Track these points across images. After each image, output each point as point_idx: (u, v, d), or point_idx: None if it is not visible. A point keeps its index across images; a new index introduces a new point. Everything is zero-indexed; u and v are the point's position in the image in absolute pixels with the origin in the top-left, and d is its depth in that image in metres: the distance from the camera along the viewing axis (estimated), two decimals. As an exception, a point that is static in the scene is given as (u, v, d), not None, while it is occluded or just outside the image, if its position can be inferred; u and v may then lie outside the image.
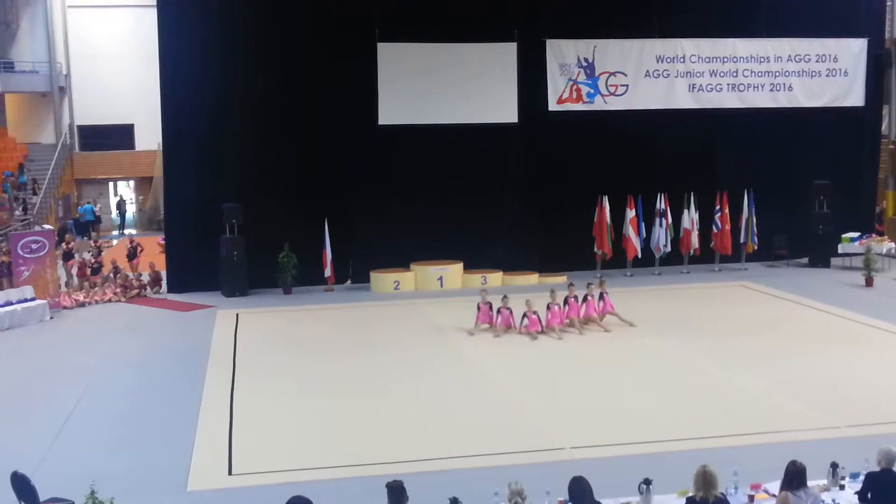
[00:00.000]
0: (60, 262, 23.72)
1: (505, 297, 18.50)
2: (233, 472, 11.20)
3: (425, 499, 8.54)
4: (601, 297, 18.68)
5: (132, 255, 25.29)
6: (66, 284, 23.07)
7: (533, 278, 23.81)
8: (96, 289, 22.83)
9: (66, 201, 37.77)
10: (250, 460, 11.49)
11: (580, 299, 18.42)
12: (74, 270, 24.27)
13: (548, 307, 18.00)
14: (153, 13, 23.42)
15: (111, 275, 23.62)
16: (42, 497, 9.35)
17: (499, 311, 18.24)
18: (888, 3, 27.70)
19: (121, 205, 40.34)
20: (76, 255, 25.25)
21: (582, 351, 16.87)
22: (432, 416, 13.24)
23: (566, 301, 18.23)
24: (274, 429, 12.75)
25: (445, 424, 12.81)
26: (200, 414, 13.36)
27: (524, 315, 18.00)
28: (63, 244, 23.78)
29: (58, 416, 13.38)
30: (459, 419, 13.02)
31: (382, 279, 23.33)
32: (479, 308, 18.42)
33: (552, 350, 16.97)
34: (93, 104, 38.05)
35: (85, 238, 33.79)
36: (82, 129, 38.99)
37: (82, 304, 22.01)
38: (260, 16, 22.89)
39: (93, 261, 24.23)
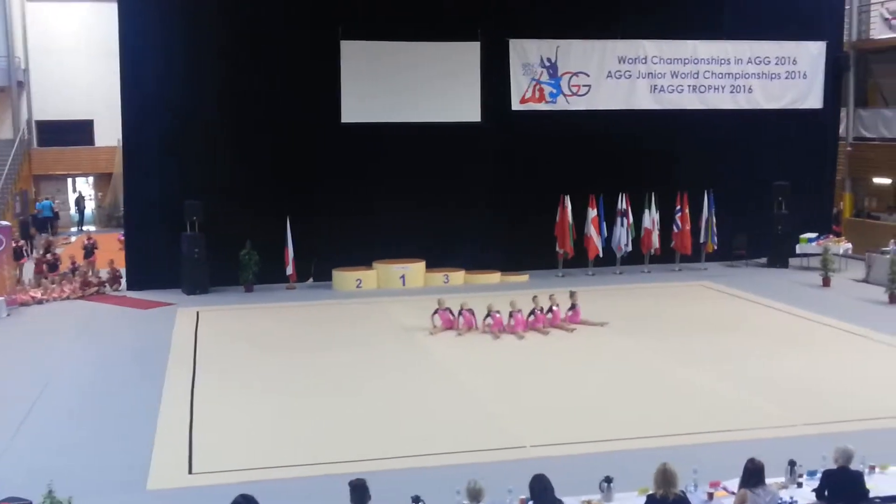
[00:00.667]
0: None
1: (465, 302, 18.51)
2: (193, 471, 11.12)
3: (388, 497, 8.53)
4: (572, 307, 18.71)
5: (89, 252, 24.97)
6: (17, 283, 22.70)
7: (495, 277, 23.87)
8: (54, 286, 22.53)
9: (24, 197, 37.25)
10: (210, 459, 11.42)
11: (546, 310, 18.39)
12: (30, 267, 23.95)
13: (510, 315, 18.01)
14: (114, 7, 23.21)
15: (69, 272, 23.33)
16: (-1, 497, 9.24)
17: (460, 313, 18.25)
18: (846, 7, 28.03)
19: (80, 201, 39.85)
20: (34, 252, 24.85)
21: (544, 350, 16.92)
22: (395, 414, 13.23)
23: (532, 312, 18.20)
24: (235, 427, 12.67)
25: (408, 423, 12.81)
26: (160, 412, 13.25)
27: (487, 314, 18.02)
28: (13, 242, 23.34)
29: (15, 415, 13.20)
30: (422, 417, 13.02)
31: (344, 277, 23.27)
32: (437, 313, 18.39)
33: (515, 349, 17.01)
34: (52, 99, 37.53)
35: (43, 235, 33.36)
36: (41, 124, 38.44)
37: (40, 302, 21.73)
38: (222, 12, 22.70)
39: (50, 257, 23.91)
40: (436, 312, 18.36)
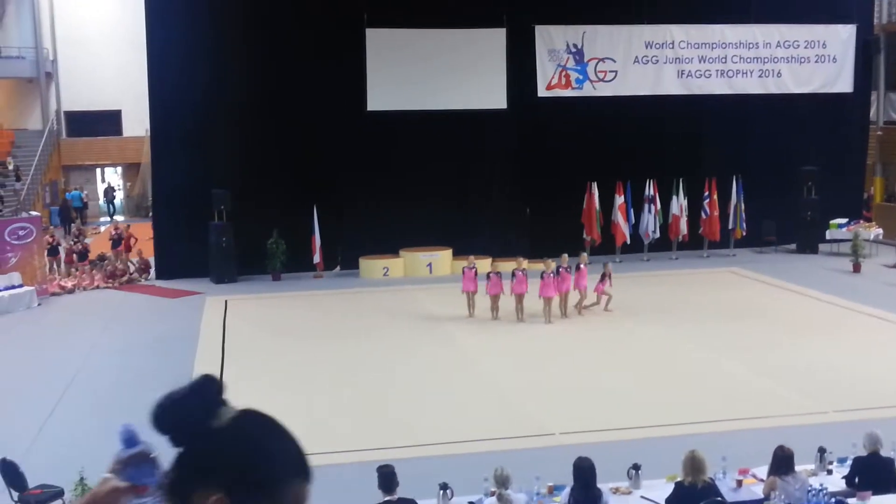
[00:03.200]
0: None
1: (493, 262, 18.63)
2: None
3: (416, 484, 8.55)
4: (603, 277, 18.68)
5: (116, 243, 25.04)
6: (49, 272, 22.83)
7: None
8: (84, 275, 22.68)
9: (54, 187, 37.59)
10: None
11: (573, 269, 18.36)
12: (63, 257, 24.16)
13: (542, 276, 17.99)
14: (141, -2, 23.29)
15: (98, 261, 23.50)
16: (31, 484, 9.35)
17: (488, 276, 18.27)
18: (876, -10, 27.73)
19: (108, 192, 39.96)
20: (68, 240, 24.98)
21: (571, 337, 16.90)
22: (423, 402, 13.26)
23: (558, 270, 18.15)
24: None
25: (436, 410, 12.83)
26: (189, 400, 13.32)
27: (512, 273, 18.02)
28: (49, 238, 23.47)
29: (46, 403, 13.36)
30: (450, 405, 13.04)
31: (372, 265, 23.32)
32: (463, 273, 18.60)
33: (541, 336, 17.01)
34: (80, 90, 37.78)
35: (73, 224, 33.66)
36: (69, 115, 38.70)
37: (70, 291, 21.91)
38: (248, 1, 22.77)
39: (80, 247, 24.09)
40: (465, 271, 18.60)
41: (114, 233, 25.55)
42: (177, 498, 1.83)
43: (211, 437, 1.85)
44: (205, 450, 1.84)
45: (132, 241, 25.07)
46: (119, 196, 40.74)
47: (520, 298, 18.01)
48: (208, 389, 1.98)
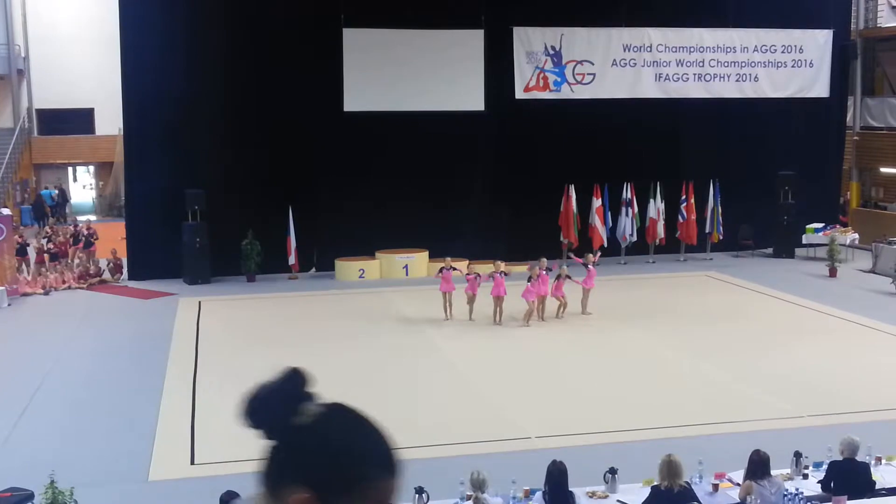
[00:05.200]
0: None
1: (470, 264, 18.53)
2: (195, 462, 11.07)
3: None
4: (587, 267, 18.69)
5: (88, 242, 24.72)
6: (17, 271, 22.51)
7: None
8: (55, 275, 22.39)
9: (25, 186, 37.16)
10: (213, 450, 11.34)
11: (553, 276, 18.35)
12: (33, 257, 23.88)
13: (528, 279, 17.96)
14: (115, -5, 23.06)
15: (69, 261, 23.22)
16: (0, 487, 9.19)
17: (465, 276, 18.24)
18: (853, -5, 27.87)
19: (60, 195, 38.60)
20: (35, 243, 24.72)
21: (548, 341, 16.85)
22: (398, 405, 13.14)
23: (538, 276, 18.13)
24: (237, 418, 12.58)
25: (412, 413, 12.73)
26: (162, 403, 13.20)
27: (490, 275, 18.04)
28: (17, 237, 23.12)
29: (16, 405, 13.15)
30: (426, 408, 12.96)
31: (347, 267, 23.18)
32: (441, 273, 18.51)
33: (519, 340, 16.95)
34: (52, 87, 37.32)
35: (43, 223, 33.30)
36: (41, 112, 38.26)
37: (46, 293, 21.56)
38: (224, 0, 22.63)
39: (51, 246, 23.78)
40: (440, 272, 18.51)
41: (86, 233, 25.23)
42: (268, 490, 1.92)
43: (297, 434, 1.91)
44: (292, 447, 1.90)
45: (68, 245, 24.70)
46: (80, 198, 39.86)
47: (498, 301, 17.95)
48: (293, 384, 2.03)
